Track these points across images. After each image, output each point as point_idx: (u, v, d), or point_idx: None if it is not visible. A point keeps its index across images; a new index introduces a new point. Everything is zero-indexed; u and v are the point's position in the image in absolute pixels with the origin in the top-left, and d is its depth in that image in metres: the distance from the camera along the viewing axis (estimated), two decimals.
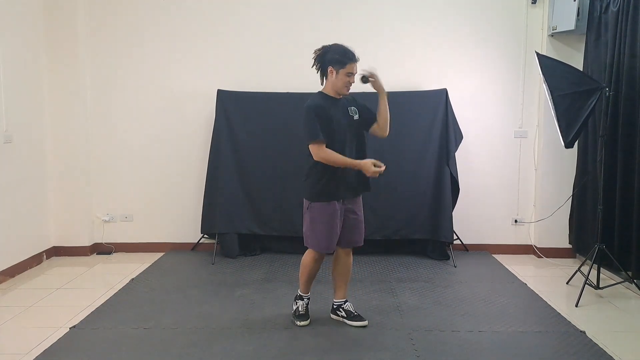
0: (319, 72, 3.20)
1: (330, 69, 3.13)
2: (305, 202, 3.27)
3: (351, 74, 3.13)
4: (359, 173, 3.18)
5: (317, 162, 3.15)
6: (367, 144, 3.35)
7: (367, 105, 3.35)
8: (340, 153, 3.13)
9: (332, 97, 3.19)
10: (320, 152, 3.09)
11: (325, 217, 3.18)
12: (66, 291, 4.06)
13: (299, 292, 3.43)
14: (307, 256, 3.32)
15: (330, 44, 3.18)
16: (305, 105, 3.16)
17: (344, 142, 3.17)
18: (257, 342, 3.11)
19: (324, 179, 3.16)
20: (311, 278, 3.38)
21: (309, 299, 3.43)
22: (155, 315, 3.52)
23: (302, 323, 3.33)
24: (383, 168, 3.06)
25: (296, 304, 3.42)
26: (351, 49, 3.13)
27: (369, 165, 3.05)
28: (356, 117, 3.24)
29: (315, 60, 3.19)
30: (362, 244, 3.39)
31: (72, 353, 2.99)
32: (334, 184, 3.16)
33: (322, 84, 3.24)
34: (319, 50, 3.18)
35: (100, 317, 3.48)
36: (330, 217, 3.17)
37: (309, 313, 3.41)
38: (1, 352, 3.02)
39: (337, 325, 3.35)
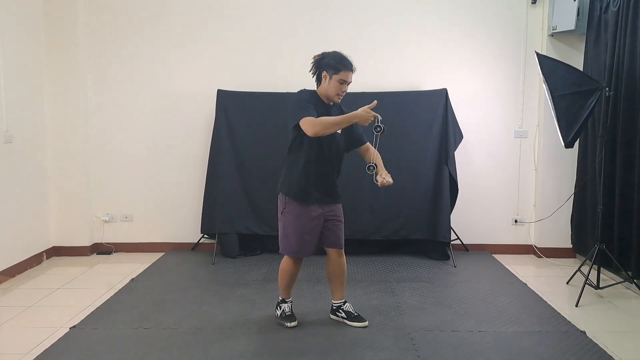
0: (315, 76, 3.18)
1: (324, 73, 3.10)
2: (280, 204, 3.21)
3: (344, 82, 3.08)
4: (333, 180, 3.20)
5: (297, 160, 3.10)
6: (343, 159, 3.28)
7: (359, 128, 3.25)
8: (327, 164, 3.12)
9: (323, 101, 3.16)
10: (314, 122, 2.91)
11: (300, 221, 3.13)
12: (66, 291, 4.06)
13: (281, 297, 3.41)
14: (285, 262, 3.29)
15: (330, 50, 3.15)
16: (297, 92, 3.14)
17: (330, 152, 3.10)
18: (257, 342, 3.11)
19: (302, 181, 3.11)
20: (292, 283, 3.36)
21: (291, 301, 3.42)
22: (155, 315, 3.52)
23: (292, 324, 3.30)
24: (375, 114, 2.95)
25: (280, 307, 3.39)
26: (349, 58, 3.10)
27: (364, 111, 2.92)
28: (339, 130, 3.14)
29: (312, 64, 3.17)
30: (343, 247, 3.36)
31: (72, 353, 2.99)
32: (312, 188, 3.12)
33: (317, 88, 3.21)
34: (318, 55, 3.16)
35: (100, 317, 3.48)
36: (305, 222, 3.13)
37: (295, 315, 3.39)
38: (1, 352, 3.02)
39: (337, 325, 3.35)
